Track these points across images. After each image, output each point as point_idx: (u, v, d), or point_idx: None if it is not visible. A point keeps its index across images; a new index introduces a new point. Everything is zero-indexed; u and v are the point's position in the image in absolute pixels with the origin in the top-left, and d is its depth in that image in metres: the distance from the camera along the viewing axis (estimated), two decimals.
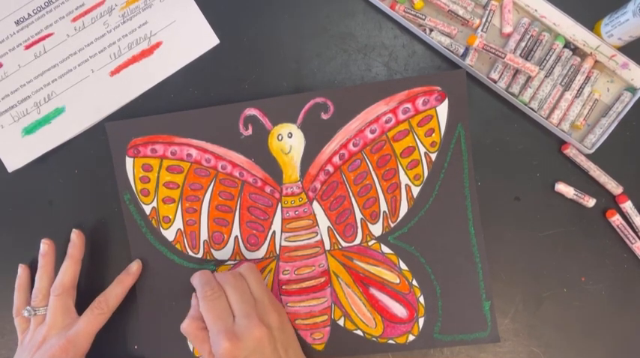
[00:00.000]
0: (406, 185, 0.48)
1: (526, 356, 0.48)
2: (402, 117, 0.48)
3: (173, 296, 0.48)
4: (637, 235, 0.49)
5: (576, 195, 0.49)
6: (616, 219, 0.49)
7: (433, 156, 0.48)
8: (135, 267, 0.48)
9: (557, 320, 0.49)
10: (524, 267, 0.49)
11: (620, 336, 0.49)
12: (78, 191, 0.50)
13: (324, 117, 0.48)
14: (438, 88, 0.48)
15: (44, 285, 0.47)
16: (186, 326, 0.42)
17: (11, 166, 0.50)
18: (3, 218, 0.50)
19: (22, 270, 0.49)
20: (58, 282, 0.46)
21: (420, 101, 0.48)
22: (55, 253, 0.49)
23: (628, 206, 0.49)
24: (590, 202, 0.49)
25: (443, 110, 0.48)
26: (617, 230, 0.49)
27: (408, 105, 0.48)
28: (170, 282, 0.49)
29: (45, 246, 0.48)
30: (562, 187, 0.49)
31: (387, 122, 0.48)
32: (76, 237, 0.48)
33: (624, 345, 0.49)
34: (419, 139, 0.48)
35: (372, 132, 0.48)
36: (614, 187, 0.49)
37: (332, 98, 0.48)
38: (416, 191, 0.48)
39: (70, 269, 0.47)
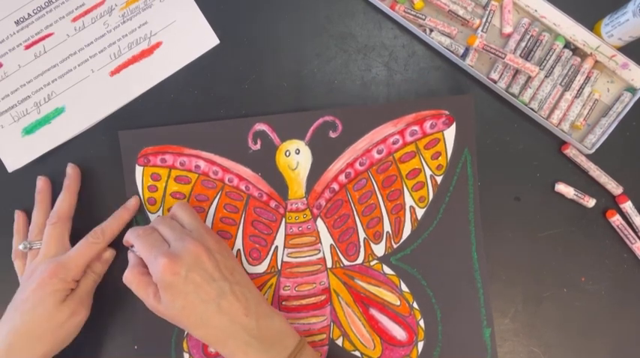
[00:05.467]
0: (410, 206, 0.48)
1: (526, 356, 0.49)
2: (409, 139, 0.48)
3: None
4: (637, 235, 0.49)
5: (576, 195, 0.49)
6: (616, 219, 0.49)
7: (439, 180, 0.48)
8: (133, 202, 0.48)
9: (557, 320, 0.49)
10: (524, 267, 0.49)
11: (620, 336, 0.49)
12: (78, 191, 0.50)
13: (332, 135, 0.48)
14: (446, 112, 0.48)
15: (41, 221, 0.47)
16: (128, 275, 0.42)
17: (11, 166, 0.50)
18: (3, 218, 0.50)
19: (18, 215, 0.49)
20: (54, 212, 0.46)
21: (427, 124, 0.48)
22: (51, 190, 0.49)
23: (628, 206, 0.49)
24: (590, 202, 0.49)
25: (450, 134, 0.48)
26: (617, 230, 0.49)
27: (416, 127, 0.48)
28: None
29: (41, 183, 0.49)
30: (562, 187, 0.49)
31: (394, 143, 0.48)
32: (71, 170, 0.49)
33: (624, 345, 0.49)
34: (425, 162, 0.48)
35: (379, 152, 0.48)
36: (614, 187, 0.49)
37: (341, 117, 0.48)
38: (420, 213, 0.48)
39: (66, 199, 0.47)
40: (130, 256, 0.44)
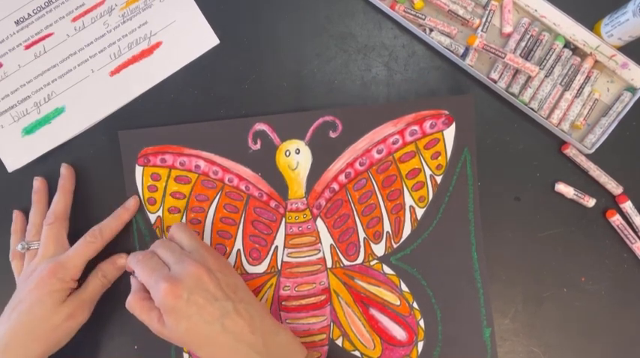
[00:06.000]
0: (410, 206, 0.48)
1: (526, 356, 0.48)
2: (409, 138, 0.48)
3: None
4: (637, 235, 0.49)
5: (576, 195, 0.49)
6: (616, 219, 0.49)
7: (439, 179, 0.48)
8: (132, 201, 0.48)
9: (557, 320, 0.49)
10: (524, 267, 0.49)
11: (619, 336, 0.49)
12: (78, 191, 0.50)
13: (332, 135, 0.49)
14: (446, 112, 0.48)
15: (38, 221, 0.47)
16: (130, 300, 0.42)
17: (11, 166, 0.50)
18: (3, 218, 0.50)
19: (16, 216, 0.49)
20: (50, 212, 0.47)
21: (427, 124, 0.48)
22: (48, 190, 0.49)
23: (628, 206, 0.49)
24: (590, 202, 0.49)
25: (450, 134, 0.48)
26: (617, 230, 0.49)
27: (416, 127, 0.48)
28: None
29: (37, 183, 0.49)
30: (562, 187, 0.49)
31: (394, 143, 0.48)
32: (64, 170, 0.49)
33: (624, 345, 0.49)
34: (425, 162, 0.48)
35: (379, 152, 0.48)
36: (614, 187, 0.49)
37: (341, 117, 0.49)
38: (420, 213, 0.48)
39: (62, 199, 0.47)
40: (132, 281, 0.44)
